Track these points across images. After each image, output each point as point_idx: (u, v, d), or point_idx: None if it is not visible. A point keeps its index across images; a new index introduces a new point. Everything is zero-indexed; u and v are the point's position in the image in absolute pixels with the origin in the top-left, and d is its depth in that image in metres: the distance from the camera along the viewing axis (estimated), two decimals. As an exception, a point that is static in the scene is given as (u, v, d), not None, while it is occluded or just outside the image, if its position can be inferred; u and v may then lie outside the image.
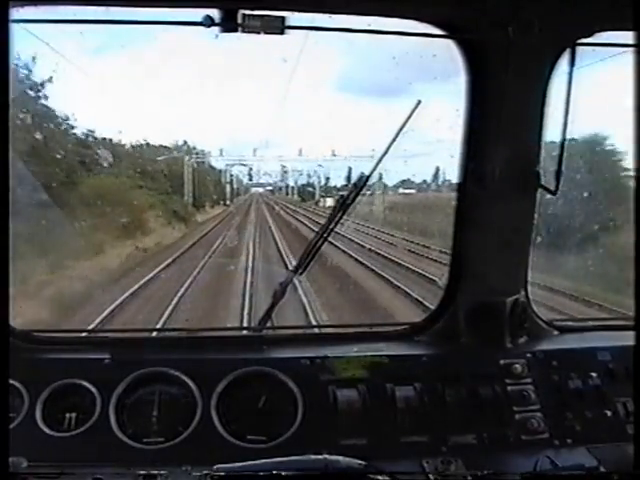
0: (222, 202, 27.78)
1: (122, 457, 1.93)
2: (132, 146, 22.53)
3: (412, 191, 23.68)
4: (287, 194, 30.86)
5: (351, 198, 2.28)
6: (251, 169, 26.65)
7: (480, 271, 2.33)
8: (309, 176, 28.92)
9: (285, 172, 27.98)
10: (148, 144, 23.33)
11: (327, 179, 27.64)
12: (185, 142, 25.28)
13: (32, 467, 1.69)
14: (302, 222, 21.22)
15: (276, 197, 31.13)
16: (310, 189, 28.82)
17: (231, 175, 27.95)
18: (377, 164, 2.29)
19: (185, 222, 21.19)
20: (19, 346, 2.20)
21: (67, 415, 2.04)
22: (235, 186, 29.50)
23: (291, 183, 30.20)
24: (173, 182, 22.62)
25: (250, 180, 27.74)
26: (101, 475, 1.73)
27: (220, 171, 27.39)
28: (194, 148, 25.46)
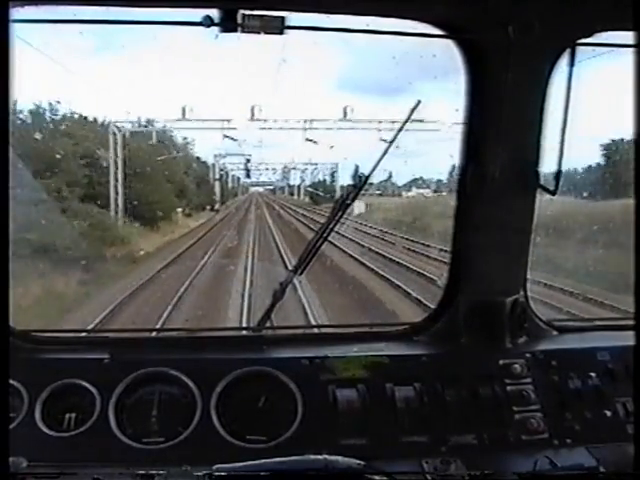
0: (209, 207, 20.16)
1: (122, 457, 1.93)
2: (30, 112, 13.59)
3: (427, 191, 21.99)
4: (292, 194, 25.35)
5: (351, 198, 2.28)
6: (248, 160, 19.14)
7: (480, 271, 2.33)
8: (314, 171, 22.56)
9: (288, 170, 22.41)
10: (69, 115, 14.13)
11: (332, 174, 21.18)
12: (150, 122, 16.85)
13: (32, 467, 1.69)
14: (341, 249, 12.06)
15: (279, 198, 26.08)
16: (314, 190, 22.62)
17: (221, 170, 20.64)
18: (377, 164, 2.30)
19: (91, 269, 9.53)
20: (19, 346, 2.20)
21: (67, 415, 2.04)
22: (231, 185, 23.02)
23: (296, 182, 24.11)
24: (101, 177, 13.07)
25: (248, 177, 20.85)
26: (100, 475, 1.72)
27: (208, 166, 20.52)
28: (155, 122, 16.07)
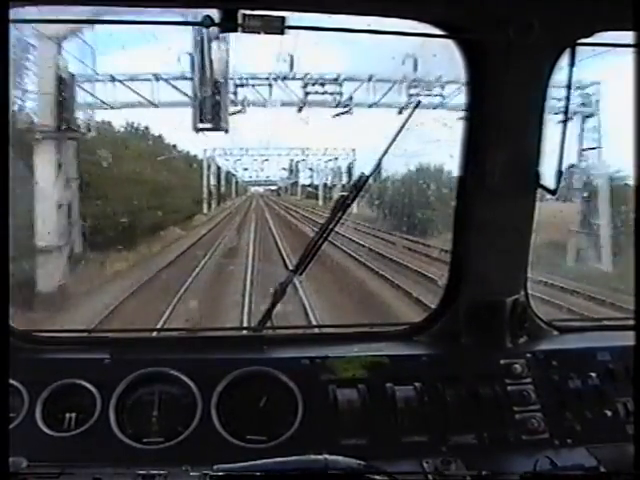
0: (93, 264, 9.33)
1: (122, 457, 1.93)
2: None
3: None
4: (307, 197, 18.01)
5: (351, 198, 2.28)
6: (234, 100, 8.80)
7: (480, 271, 2.33)
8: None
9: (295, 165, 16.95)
10: None
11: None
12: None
13: (32, 467, 1.69)
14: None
15: (294, 204, 20.27)
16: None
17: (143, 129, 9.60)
18: (378, 164, 2.29)
19: None
20: (19, 346, 2.20)
21: (67, 415, 2.04)
22: (215, 182, 13.00)
23: (309, 180, 17.57)
24: None
25: (230, 152, 11.54)
26: (101, 475, 1.73)
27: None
28: None
